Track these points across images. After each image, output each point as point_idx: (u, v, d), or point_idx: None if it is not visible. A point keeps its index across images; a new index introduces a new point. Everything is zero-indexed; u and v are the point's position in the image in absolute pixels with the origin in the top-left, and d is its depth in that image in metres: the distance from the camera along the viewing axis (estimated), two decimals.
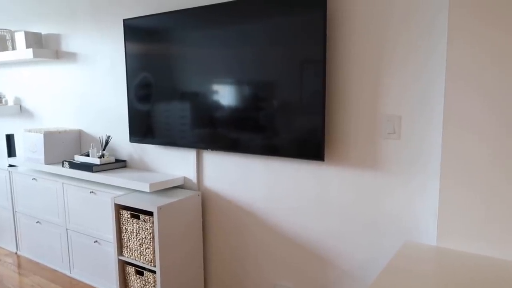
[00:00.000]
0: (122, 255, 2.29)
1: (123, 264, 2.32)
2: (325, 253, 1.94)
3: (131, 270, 2.28)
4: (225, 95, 2.05)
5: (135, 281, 2.27)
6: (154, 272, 2.16)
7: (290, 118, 1.86)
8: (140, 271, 2.23)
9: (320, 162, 1.90)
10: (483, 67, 1.38)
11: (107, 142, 2.69)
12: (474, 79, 1.40)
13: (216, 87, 2.08)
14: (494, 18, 1.35)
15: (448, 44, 1.43)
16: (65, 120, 3.07)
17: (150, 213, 2.15)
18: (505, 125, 1.36)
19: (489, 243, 1.43)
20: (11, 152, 3.12)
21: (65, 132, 2.89)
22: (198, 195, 2.30)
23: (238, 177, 2.20)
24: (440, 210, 1.50)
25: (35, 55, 2.89)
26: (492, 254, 1.43)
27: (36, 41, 3.03)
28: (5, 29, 3.19)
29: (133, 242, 2.22)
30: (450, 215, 1.49)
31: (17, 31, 3.01)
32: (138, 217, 2.18)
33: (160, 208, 2.08)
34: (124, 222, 2.25)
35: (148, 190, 2.21)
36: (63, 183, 2.67)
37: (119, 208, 2.27)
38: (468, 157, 1.44)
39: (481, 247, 1.44)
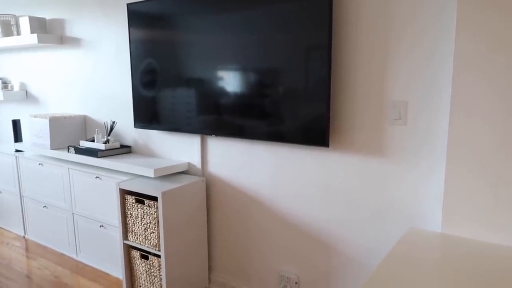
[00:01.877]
0: (127, 240, 2.31)
1: (128, 248, 2.35)
2: (329, 239, 1.94)
3: (136, 254, 2.30)
4: (230, 81, 2.04)
5: (140, 265, 2.29)
6: (159, 256, 2.18)
7: (295, 104, 1.84)
8: (145, 255, 2.26)
9: (325, 148, 1.89)
10: (490, 54, 1.35)
11: (112, 128, 2.70)
12: (481, 66, 1.37)
13: (221, 73, 2.06)
14: (502, 5, 1.31)
15: (457, 30, 1.39)
16: (70, 106, 3.08)
17: (154, 198, 2.16)
18: (511, 111, 1.34)
19: (494, 230, 1.42)
20: (17, 137, 3.14)
21: (70, 118, 2.90)
22: (203, 180, 2.31)
23: (242, 163, 2.19)
24: (445, 197, 1.49)
25: (39, 40, 2.88)
26: (497, 241, 1.42)
27: (40, 26, 3.02)
28: (10, 14, 3.18)
29: (138, 227, 2.23)
30: (455, 201, 1.48)
31: (21, 16, 3.00)
32: (142, 202, 2.19)
33: (164, 193, 2.08)
34: (129, 207, 2.26)
35: (152, 176, 2.22)
36: (68, 168, 2.69)
37: (124, 193, 2.28)
38: (474, 144, 1.42)
39: (486, 234, 1.43)
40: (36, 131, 2.90)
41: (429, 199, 1.65)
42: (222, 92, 2.07)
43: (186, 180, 2.26)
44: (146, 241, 2.21)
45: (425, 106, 1.61)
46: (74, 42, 2.92)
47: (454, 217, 1.48)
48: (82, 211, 2.68)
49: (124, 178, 2.37)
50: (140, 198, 2.20)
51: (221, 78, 2.07)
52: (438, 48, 1.55)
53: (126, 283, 2.36)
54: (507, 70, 1.33)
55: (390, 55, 1.66)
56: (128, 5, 2.39)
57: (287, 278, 2.10)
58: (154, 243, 2.17)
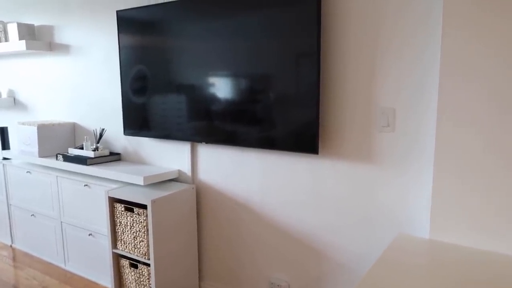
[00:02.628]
0: (117, 248, 2.29)
1: (117, 257, 2.32)
2: (319, 245, 1.94)
3: (125, 263, 2.27)
4: (220, 88, 2.04)
5: (129, 274, 2.27)
6: (148, 265, 2.16)
7: (284, 111, 1.84)
8: (134, 264, 2.23)
9: (314, 155, 1.90)
10: (477, 57, 1.37)
11: (101, 135, 2.68)
12: (468, 69, 1.39)
13: (211, 79, 2.06)
14: (490, 5, 1.33)
15: (443, 32, 1.41)
16: (59, 113, 3.05)
17: (144, 206, 2.14)
18: (499, 116, 1.36)
19: (482, 236, 1.43)
20: (5, 145, 3.10)
21: (59, 125, 2.87)
22: (193, 188, 2.30)
23: (232, 170, 2.19)
24: (433, 202, 1.50)
25: (28, 47, 2.86)
26: (485, 246, 1.43)
27: (29, 33, 2.99)
28: None
29: (127, 235, 2.21)
30: (443, 207, 1.49)
31: (9, 22, 2.98)
32: (132, 210, 2.17)
33: (154, 201, 2.07)
34: (118, 215, 2.24)
35: (142, 183, 2.20)
36: (57, 176, 2.66)
37: (113, 201, 2.26)
38: (461, 149, 1.43)
39: (474, 239, 1.45)
40: (24, 139, 2.87)
41: (417, 205, 1.66)
42: (212, 99, 2.07)
43: (176, 188, 2.25)
44: (136, 250, 2.19)
45: (413, 113, 1.63)
46: (63, 48, 2.90)
47: (442, 223, 1.50)
48: (70, 220, 2.64)
49: (114, 186, 2.35)
50: (130, 206, 2.18)
51: (211, 85, 2.07)
52: (425, 55, 1.57)
53: None
54: (494, 74, 1.35)
55: (378, 63, 1.67)
56: (117, 12, 2.39)
57: (278, 285, 2.09)
58: (144, 252, 2.15)
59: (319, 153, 1.85)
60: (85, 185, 2.50)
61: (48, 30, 2.97)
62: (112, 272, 2.31)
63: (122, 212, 2.21)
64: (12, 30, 2.94)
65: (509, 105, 1.34)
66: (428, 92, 1.58)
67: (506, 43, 1.32)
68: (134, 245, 2.19)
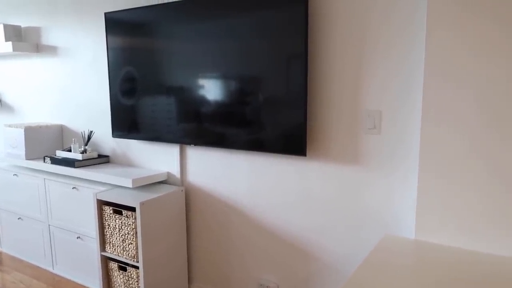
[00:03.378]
0: (105, 251, 2.28)
1: (106, 260, 2.31)
2: (307, 247, 1.96)
3: (114, 266, 2.26)
4: (209, 90, 2.04)
5: (118, 276, 2.26)
6: (137, 267, 2.15)
7: (273, 113, 1.86)
8: (123, 266, 2.22)
9: (302, 157, 1.91)
10: (462, 58, 1.40)
11: (89, 137, 2.66)
12: (452, 70, 1.42)
13: (200, 81, 2.07)
14: (474, 7, 1.36)
15: (427, 33, 1.44)
16: (47, 115, 3.02)
17: (132, 209, 2.14)
18: (483, 117, 1.38)
19: (467, 236, 1.46)
20: None
21: (46, 127, 2.85)
22: (182, 190, 2.29)
23: (221, 173, 2.19)
24: (418, 203, 1.53)
25: (14, 49, 2.83)
26: (470, 247, 1.46)
27: (15, 34, 2.96)
28: None
29: (116, 238, 2.20)
30: (428, 208, 1.51)
31: None
32: (120, 213, 2.16)
33: (143, 204, 2.06)
34: (106, 218, 2.23)
35: (131, 186, 2.20)
36: (44, 178, 2.64)
37: (101, 203, 2.25)
38: (446, 150, 1.46)
39: (459, 240, 1.47)
40: (10, 141, 2.84)
41: (403, 206, 1.69)
42: (201, 101, 2.07)
43: (165, 190, 2.25)
44: (124, 252, 2.18)
45: (399, 115, 1.65)
46: (50, 50, 2.88)
47: (427, 224, 1.52)
48: (58, 223, 2.62)
49: (102, 188, 2.34)
50: (118, 208, 2.17)
51: (200, 87, 2.07)
52: (411, 56, 1.60)
53: None
54: (478, 74, 1.38)
55: (364, 64, 1.70)
56: (105, 13, 2.38)
57: (267, 287, 2.10)
58: (132, 254, 2.14)
59: (306, 155, 1.86)
60: (73, 188, 2.48)
61: (35, 32, 2.94)
62: (101, 275, 2.30)
63: (111, 215, 2.20)
64: None
65: (493, 106, 1.37)
66: (414, 94, 1.61)
67: (490, 44, 1.35)
68: (122, 248, 2.18)
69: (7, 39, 2.90)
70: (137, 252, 2.12)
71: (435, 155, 1.48)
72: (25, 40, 3.01)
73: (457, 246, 1.48)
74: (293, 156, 1.94)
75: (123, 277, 2.23)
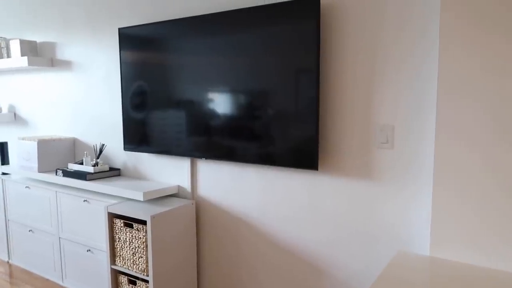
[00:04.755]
0: (115, 264, 2.27)
1: (115, 273, 2.30)
2: (319, 262, 1.94)
3: (124, 279, 2.25)
4: (219, 104, 2.06)
5: None
6: (147, 281, 2.14)
7: (284, 127, 1.86)
8: (133, 280, 2.21)
9: (314, 171, 1.91)
10: (475, 74, 1.39)
11: (101, 151, 2.68)
12: (466, 86, 1.41)
13: (211, 95, 2.08)
14: (486, 23, 1.36)
15: (440, 50, 1.44)
16: (59, 128, 3.06)
17: (143, 222, 2.14)
18: (497, 133, 1.37)
19: (482, 253, 1.43)
20: (4, 160, 3.10)
21: (59, 140, 2.88)
22: (192, 203, 2.29)
23: (232, 186, 2.19)
24: (433, 220, 1.51)
25: (30, 63, 2.89)
26: (485, 264, 1.43)
27: (31, 49, 3.03)
28: (0, 37, 3.19)
29: (126, 251, 2.20)
30: (443, 224, 1.49)
31: (12, 39, 3.02)
32: (131, 226, 2.16)
33: (154, 217, 2.07)
34: (117, 231, 2.23)
35: (141, 199, 2.20)
36: (56, 191, 2.66)
37: (112, 216, 2.25)
38: (460, 166, 1.44)
39: (474, 257, 1.45)
40: (24, 154, 2.87)
41: (417, 222, 1.67)
42: (212, 115, 2.09)
43: (175, 203, 2.25)
44: (134, 266, 2.17)
45: (412, 129, 1.64)
46: (64, 65, 2.93)
47: (442, 240, 1.50)
48: (69, 235, 2.63)
49: (113, 201, 2.35)
50: (129, 222, 2.18)
51: (210, 101, 2.09)
52: (423, 70, 1.60)
53: None
54: (492, 91, 1.37)
55: (377, 79, 1.70)
56: (119, 29, 2.42)
57: None
58: (142, 268, 2.13)
59: (318, 169, 1.86)
60: (84, 201, 2.50)
61: (50, 47, 3.00)
62: None
63: (121, 228, 2.20)
64: (15, 46, 2.98)
65: (507, 121, 1.35)
66: (426, 109, 1.60)
67: (502, 60, 1.34)
68: (133, 261, 2.18)
69: (23, 54, 2.97)
70: (147, 266, 2.11)
71: (450, 170, 1.46)
72: (40, 55, 3.07)
73: (473, 263, 1.45)
74: (305, 170, 1.93)
75: None
